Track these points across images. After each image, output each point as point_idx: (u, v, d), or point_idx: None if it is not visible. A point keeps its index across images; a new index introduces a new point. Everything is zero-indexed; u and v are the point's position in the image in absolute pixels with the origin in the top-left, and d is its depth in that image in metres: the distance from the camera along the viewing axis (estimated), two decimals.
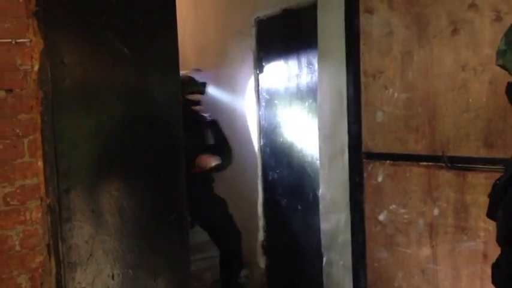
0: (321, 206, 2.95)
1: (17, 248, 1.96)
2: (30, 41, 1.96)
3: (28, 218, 1.98)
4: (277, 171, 3.59)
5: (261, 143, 3.74)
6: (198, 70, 3.50)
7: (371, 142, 2.54)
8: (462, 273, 2.21)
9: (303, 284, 3.41)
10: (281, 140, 3.52)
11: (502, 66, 1.19)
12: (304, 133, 3.24)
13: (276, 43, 3.49)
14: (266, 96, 3.65)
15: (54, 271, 2.04)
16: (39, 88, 1.98)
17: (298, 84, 3.29)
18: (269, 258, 3.79)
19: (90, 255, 2.13)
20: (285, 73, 3.41)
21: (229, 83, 4.04)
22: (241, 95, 3.88)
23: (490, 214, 1.11)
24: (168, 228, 2.38)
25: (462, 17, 2.12)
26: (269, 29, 3.55)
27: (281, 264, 3.69)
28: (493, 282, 1.23)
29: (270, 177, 3.68)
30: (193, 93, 3.36)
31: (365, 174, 2.57)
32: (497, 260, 1.08)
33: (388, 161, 2.47)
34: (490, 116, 2.05)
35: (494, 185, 1.11)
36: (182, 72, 3.43)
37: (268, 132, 3.67)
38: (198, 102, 3.41)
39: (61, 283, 2.06)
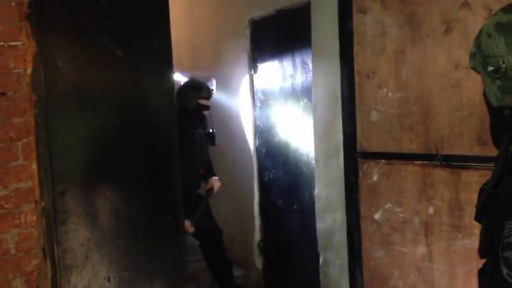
0: (316, 206, 2.95)
1: (12, 251, 1.96)
2: (23, 44, 1.95)
3: (23, 221, 1.97)
4: (273, 171, 3.59)
5: (257, 143, 3.74)
6: (209, 76, 3.62)
7: (366, 141, 2.54)
8: (458, 271, 2.22)
9: (299, 284, 3.41)
10: (276, 140, 3.52)
11: (474, 69, 1.18)
12: (300, 133, 3.24)
13: (271, 44, 3.49)
14: (261, 96, 3.65)
15: (49, 274, 2.03)
16: (33, 91, 1.97)
17: (292, 85, 3.29)
18: (266, 259, 3.79)
19: (86, 257, 2.13)
20: (279, 73, 3.41)
21: (224, 84, 4.04)
22: (236, 96, 3.88)
23: (478, 219, 1.11)
24: (164, 230, 2.38)
25: (455, 16, 2.12)
26: (263, 29, 3.55)
27: (278, 264, 3.69)
28: None
29: (265, 178, 3.68)
30: (204, 98, 3.43)
31: (360, 174, 2.57)
32: (484, 265, 1.07)
33: (383, 160, 2.47)
34: (484, 114, 2.03)
35: (481, 191, 1.11)
36: (195, 79, 3.53)
37: (263, 133, 3.67)
38: (208, 108, 3.48)
39: (57, 286, 2.05)
